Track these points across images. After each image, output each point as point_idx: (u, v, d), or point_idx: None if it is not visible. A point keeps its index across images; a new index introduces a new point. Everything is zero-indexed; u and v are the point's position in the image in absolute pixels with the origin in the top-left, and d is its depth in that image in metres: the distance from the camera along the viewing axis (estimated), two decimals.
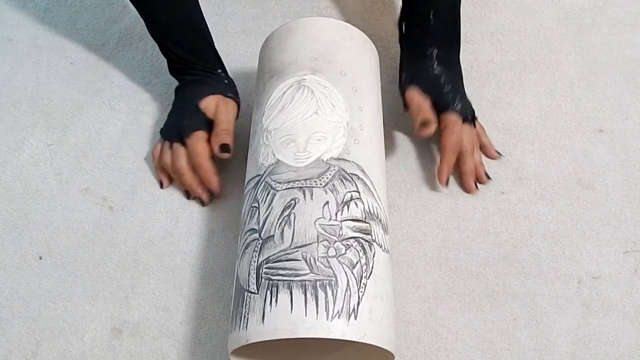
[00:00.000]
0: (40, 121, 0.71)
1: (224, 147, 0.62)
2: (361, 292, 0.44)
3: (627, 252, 0.59)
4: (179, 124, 0.64)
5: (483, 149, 0.67)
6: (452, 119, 0.63)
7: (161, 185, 0.65)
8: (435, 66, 0.65)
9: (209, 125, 0.63)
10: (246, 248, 0.48)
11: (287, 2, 0.82)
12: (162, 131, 0.67)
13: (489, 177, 0.64)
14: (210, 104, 0.64)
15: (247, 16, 0.81)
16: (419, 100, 0.63)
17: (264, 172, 0.51)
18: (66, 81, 0.74)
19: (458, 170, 0.64)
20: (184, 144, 0.63)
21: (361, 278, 0.45)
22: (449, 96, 0.64)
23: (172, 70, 0.67)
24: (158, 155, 0.66)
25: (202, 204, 0.64)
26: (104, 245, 0.61)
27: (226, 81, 0.67)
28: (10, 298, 0.59)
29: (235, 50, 0.77)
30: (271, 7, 0.82)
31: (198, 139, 0.62)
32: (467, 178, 0.64)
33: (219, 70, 0.67)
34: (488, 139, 0.67)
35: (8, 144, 0.69)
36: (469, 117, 0.65)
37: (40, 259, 0.61)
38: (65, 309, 0.58)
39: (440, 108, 0.64)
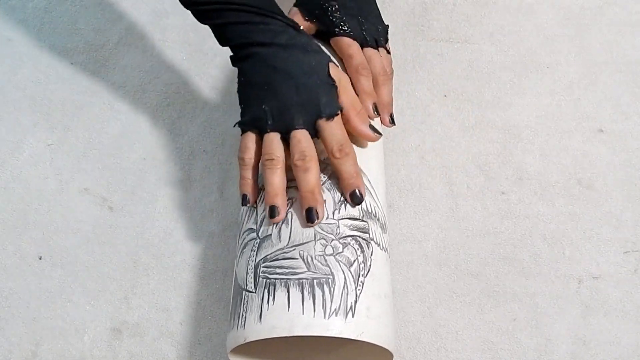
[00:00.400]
0: (40, 121, 0.71)
1: (374, 129, 0.50)
2: (359, 290, 0.44)
3: (627, 252, 0.59)
4: (311, 103, 0.47)
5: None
6: (344, 42, 0.54)
7: (246, 202, 0.49)
8: None
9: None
10: (244, 247, 0.48)
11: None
12: (258, 120, 0.48)
13: (393, 121, 0.56)
14: (335, 73, 0.49)
15: None
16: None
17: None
18: (66, 81, 0.74)
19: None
20: (315, 128, 0.47)
21: (359, 276, 0.45)
22: (334, 17, 0.55)
23: (248, 32, 0.49)
24: (252, 151, 0.49)
25: (315, 218, 0.45)
26: (103, 246, 0.61)
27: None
28: (9, 298, 0.59)
29: None
30: None
31: (340, 122, 0.48)
32: (381, 111, 0.54)
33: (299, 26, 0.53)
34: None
35: (8, 144, 0.69)
36: (372, 41, 0.56)
37: (40, 259, 0.61)
38: (65, 309, 0.58)
39: (327, 33, 0.56)
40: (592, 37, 0.76)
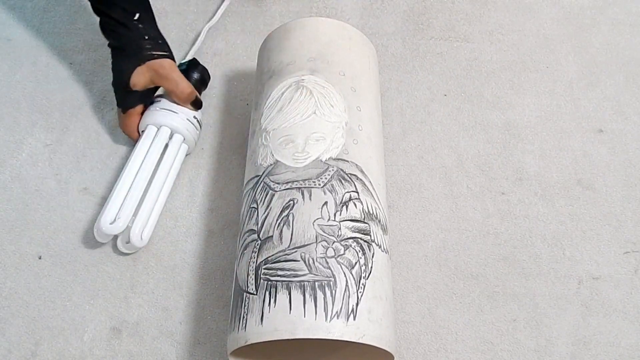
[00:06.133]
0: (39, 121, 0.71)
1: (198, 104, 0.66)
2: (360, 292, 0.44)
3: (627, 253, 0.59)
4: (117, 98, 0.65)
5: None
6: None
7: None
8: None
9: (142, 98, 0.65)
10: (245, 249, 0.48)
11: (286, 2, 0.82)
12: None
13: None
14: (139, 79, 0.62)
15: (247, 16, 0.81)
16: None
17: (263, 172, 0.51)
18: (65, 81, 0.74)
19: None
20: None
21: (360, 278, 0.45)
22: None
23: (100, 25, 0.63)
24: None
25: None
26: (103, 245, 0.61)
27: (146, 37, 0.62)
28: (9, 298, 0.58)
29: (234, 50, 0.77)
30: (270, 7, 0.81)
31: (131, 115, 0.65)
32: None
33: (136, 15, 0.61)
34: None
35: (7, 144, 0.69)
36: None
37: (40, 258, 0.61)
38: (64, 308, 0.58)
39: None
40: (592, 37, 0.76)
